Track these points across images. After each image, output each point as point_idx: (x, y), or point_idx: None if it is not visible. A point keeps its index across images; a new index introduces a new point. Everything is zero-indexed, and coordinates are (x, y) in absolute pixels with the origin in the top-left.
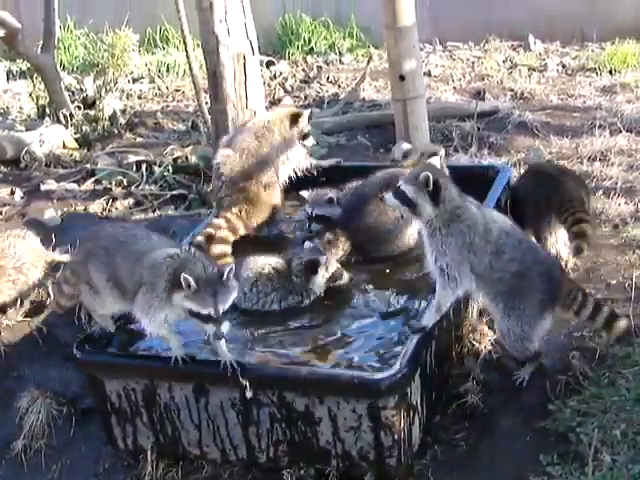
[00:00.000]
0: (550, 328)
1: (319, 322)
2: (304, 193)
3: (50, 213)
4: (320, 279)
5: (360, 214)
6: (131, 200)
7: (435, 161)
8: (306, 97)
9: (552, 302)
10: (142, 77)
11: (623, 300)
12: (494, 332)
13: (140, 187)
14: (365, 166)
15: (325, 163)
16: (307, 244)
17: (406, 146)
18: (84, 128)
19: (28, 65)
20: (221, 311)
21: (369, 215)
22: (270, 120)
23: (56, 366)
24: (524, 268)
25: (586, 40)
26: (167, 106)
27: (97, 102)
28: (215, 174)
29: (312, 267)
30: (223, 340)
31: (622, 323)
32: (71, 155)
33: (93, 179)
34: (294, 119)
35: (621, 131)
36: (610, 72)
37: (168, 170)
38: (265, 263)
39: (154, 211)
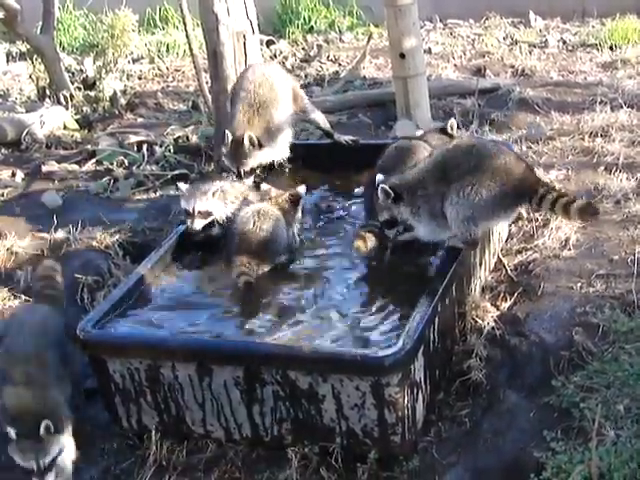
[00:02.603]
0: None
1: (321, 299)
2: (182, 186)
3: (51, 194)
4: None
5: None
6: (132, 180)
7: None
8: (306, 76)
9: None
10: (142, 57)
11: (625, 276)
12: (497, 309)
13: (141, 167)
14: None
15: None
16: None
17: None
18: (85, 109)
19: (28, 46)
20: None
21: None
22: None
23: None
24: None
25: (587, 16)
26: (167, 86)
27: (97, 83)
28: None
29: (295, 199)
30: None
31: (578, 203)
32: (72, 136)
33: (94, 160)
34: None
35: (622, 107)
36: (611, 48)
37: (169, 150)
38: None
39: (156, 191)
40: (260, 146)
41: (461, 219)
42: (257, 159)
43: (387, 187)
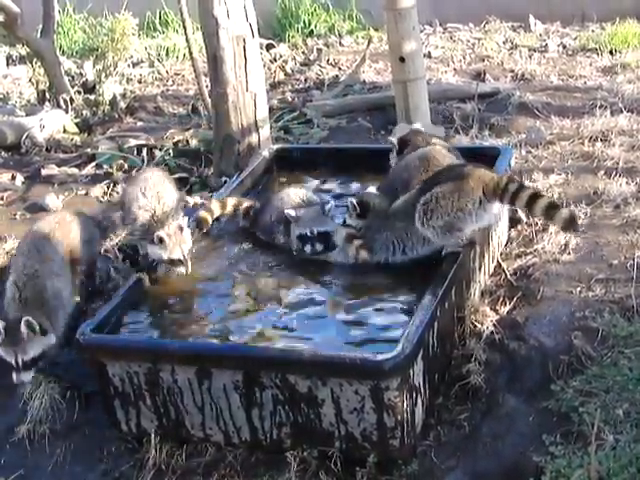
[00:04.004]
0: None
1: (320, 303)
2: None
3: (51, 198)
4: (292, 232)
5: None
6: None
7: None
8: (306, 80)
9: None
10: (142, 61)
11: (625, 280)
12: (496, 313)
13: (141, 171)
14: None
15: None
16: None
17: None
18: (84, 112)
19: (28, 50)
20: None
21: None
22: None
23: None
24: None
25: (586, 20)
26: (167, 90)
27: (97, 86)
28: None
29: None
30: None
31: (564, 212)
32: (72, 140)
33: (94, 163)
34: None
35: (622, 111)
36: (611, 52)
37: (169, 154)
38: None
39: None
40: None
41: (442, 232)
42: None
43: (355, 202)
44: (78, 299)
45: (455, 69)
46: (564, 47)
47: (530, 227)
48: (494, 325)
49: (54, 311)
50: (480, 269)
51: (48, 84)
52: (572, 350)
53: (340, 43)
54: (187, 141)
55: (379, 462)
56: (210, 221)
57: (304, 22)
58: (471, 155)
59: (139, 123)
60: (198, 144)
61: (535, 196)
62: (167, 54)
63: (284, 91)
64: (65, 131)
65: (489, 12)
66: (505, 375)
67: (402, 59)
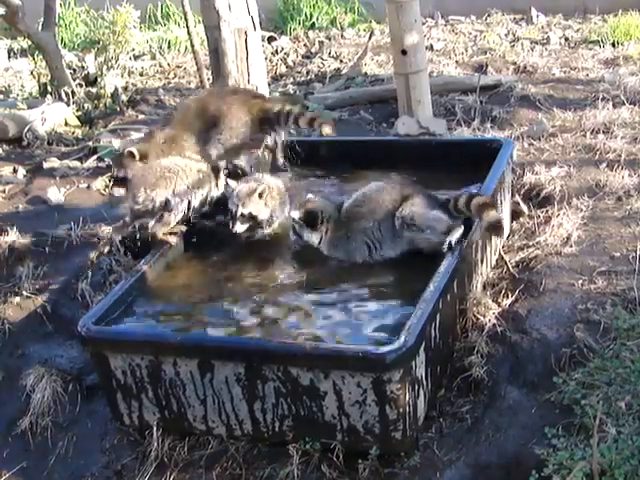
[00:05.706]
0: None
1: (322, 295)
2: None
3: (53, 191)
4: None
5: None
6: None
7: None
8: (308, 72)
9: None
10: (143, 54)
11: (627, 272)
12: (498, 305)
13: None
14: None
15: None
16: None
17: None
18: (86, 105)
19: (29, 43)
20: None
21: None
22: None
23: (61, 343)
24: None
25: (588, 12)
26: (169, 83)
27: (99, 79)
28: None
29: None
30: None
31: (492, 213)
32: (73, 133)
33: (95, 156)
34: None
35: (624, 103)
36: (613, 44)
37: None
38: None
39: None
40: None
41: (427, 225)
42: None
43: (299, 218)
44: None
45: (457, 61)
46: (566, 39)
47: (532, 219)
48: (496, 317)
49: None
50: (482, 261)
51: (50, 77)
52: (574, 342)
53: (342, 36)
54: None
55: (381, 454)
56: None
57: (306, 15)
58: (473, 148)
59: (141, 116)
60: None
61: (471, 197)
62: (169, 47)
63: (286, 84)
64: (67, 124)
65: (491, 4)
66: (507, 367)
67: (404, 52)
